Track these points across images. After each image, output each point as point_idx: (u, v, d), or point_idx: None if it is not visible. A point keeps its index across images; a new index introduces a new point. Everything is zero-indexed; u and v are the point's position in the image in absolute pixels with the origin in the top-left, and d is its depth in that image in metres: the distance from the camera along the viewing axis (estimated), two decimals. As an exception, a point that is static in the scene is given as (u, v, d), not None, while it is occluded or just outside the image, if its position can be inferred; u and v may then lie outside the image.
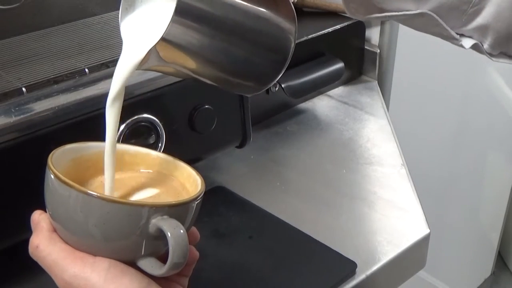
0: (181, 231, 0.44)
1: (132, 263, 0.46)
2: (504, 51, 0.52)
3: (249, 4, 0.49)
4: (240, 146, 0.82)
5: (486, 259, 1.88)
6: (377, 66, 1.12)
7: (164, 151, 0.69)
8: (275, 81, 0.52)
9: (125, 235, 0.45)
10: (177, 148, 0.71)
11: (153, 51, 0.46)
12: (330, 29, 1.01)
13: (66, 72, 0.69)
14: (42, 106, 0.64)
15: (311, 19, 1.05)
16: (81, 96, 0.66)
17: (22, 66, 0.70)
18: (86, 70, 0.69)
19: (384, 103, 1.06)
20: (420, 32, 0.52)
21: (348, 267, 0.71)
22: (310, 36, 0.99)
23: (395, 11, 0.50)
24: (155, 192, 0.51)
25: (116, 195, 0.50)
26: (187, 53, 0.47)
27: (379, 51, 1.12)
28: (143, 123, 0.68)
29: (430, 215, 0.81)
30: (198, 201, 0.48)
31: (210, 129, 0.75)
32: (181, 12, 0.44)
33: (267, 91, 0.95)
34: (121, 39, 0.50)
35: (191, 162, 0.78)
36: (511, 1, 0.48)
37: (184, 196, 0.50)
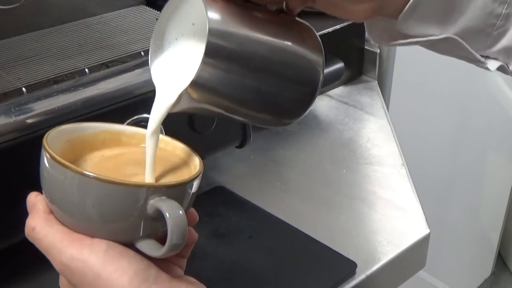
0: (180, 212, 0.44)
1: (130, 245, 0.46)
2: None
3: (276, 40, 0.49)
4: (240, 146, 0.82)
5: (486, 259, 1.88)
6: (377, 66, 1.12)
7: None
8: (305, 113, 0.52)
9: (123, 216, 0.45)
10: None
11: (184, 94, 0.46)
12: (330, 29, 1.01)
13: (66, 72, 0.69)
14: (42, 106, 0.64)
15: (311, 19, 1.05)
16: (81, 96, 0.66)
17: (22, 66, 0.70)
18: (86, 70, 0.69)
19: (384, 103, 1.06)
20: (444, 55, 0.52)
21: (348, 267, 0.71)
22: (310, 36, 0.99)
23: (420, 37, 0.49)
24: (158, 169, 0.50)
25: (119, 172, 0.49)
26: (218, 94, 0.48)
27: (379, 51, 1.12)
28: (143, 123, 0.68)
29: (430, 215, 0.81)
30: (197, 181, 0.47)
31: (210, 129, 0.75)
32: (210, 53, 0.44)
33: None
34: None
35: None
36: None
37: (185, 172, 0.49)
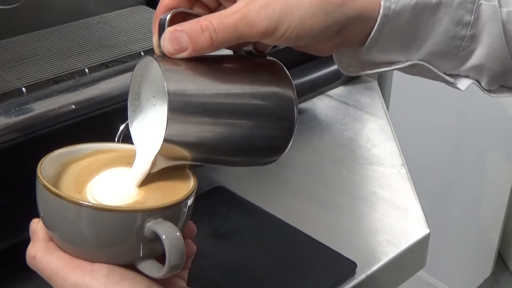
0: (177, 233, 0.44)
1: (131, 266, 0.47)
2: (502, 84, 0.52)
3: (243, 86, 0.49)
4: (240, 146, 0.82)
5: (486, 259, 1.88)
6: (377, 66, 1.12)
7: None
8: (287, 149, 0.52)
9: (121, 241, 0.45)
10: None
11: (158, 157, 0.47)
12: (330, 29, 1.01)
13: (66, 72, 0.69)
14: (42, 106, 0.64)
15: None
16: (81, 96, 0.66)
17: (22, 66, 0.70)
18: (86, 70, 0.69)
19: (384, 103, 1.06)
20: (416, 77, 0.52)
21: (348, 267, 0.71)
22: (310, 36, 0.99)
23: (386, 66, 0.50)
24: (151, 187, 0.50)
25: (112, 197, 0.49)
26: (192, 150, 0.48)
27: (379, 51, 1.12)
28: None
29: (430, 215, 0.81)
30: (192, 198, 0.48)
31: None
32: (174, 115, 0.45)
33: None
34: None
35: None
36: (501, 40, 0.48)
37: (180, 187, 0.49)
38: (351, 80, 1.12)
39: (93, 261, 0.46)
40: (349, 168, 0.90)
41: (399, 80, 1.20)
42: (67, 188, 0.48)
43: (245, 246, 0.73)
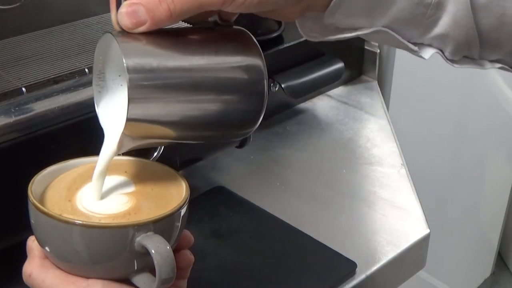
0: (167, 247, 0.44)
1: (126, 280, 0.47)
2: (466, 54, 0.51)
3: (207, 57, 0.47)
4: (240, 146, 0.82)
5: (486, 259, 1.88)
6: (377, 66, 1.12)
7: (164, 151, 0.69)
8: (259, 122, 0.50)
9: (113, 256, 0.45)
10: (177, 148, 0.71)
11: (124, 137, 0.46)
12: (330, 29, 1.01)
13: (66, 72, 0.69)
14: (42, 106, 0.64)
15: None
16: (81, 96, 0.66)
17: (22, 66, 0.70)
18: (86, 70, 0.69)
19: (384, 103, 1.06)
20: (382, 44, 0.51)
21: (348, 267, 0.71)
22: (310, 36, 0.99)
23: (349, 32, 0.49)
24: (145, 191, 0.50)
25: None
26: (159, 127, 0.46)
27: (379, 51, 1.12)
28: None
29: (430, 215, 0.81)
30: (184, 207, 0.47)
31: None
32: (136, 91, 0.43)
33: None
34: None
35: (191, 162, 0.79)
36: (467, 9, 0.47)
37: (174, 194, 0.49)
38: (351, 80, 1.12)
39: (87, 277, 0.46)
40: (349, 168, 0.90)
41: (399, 80, 1.20)
42: (58, 195, 0.48)
43: (245, 246, 0.73)
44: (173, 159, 0.71)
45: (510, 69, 0.52)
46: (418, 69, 1.33)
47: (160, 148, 0.70)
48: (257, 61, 0.49)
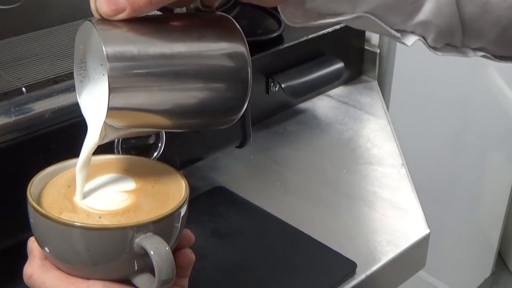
0: (166, 248, 0.44)
1: (126, 280, 0.47)
2: (448, 42, 0.51)
3: (189, 44, 0.46)
4: (240, 146, 0.82)
5: (486, 259, 1.88)
6: (377, 66, 1.12)
7: (164, 151, 0.69)
8: (244, 109, 0.49)
9: (112, 257, 0.45)
10: (177, 148, 0.71)
11: (107, 127, 0.45)
12: (330, 29, 1.01)
13: (66, 72, 0.69)
14: (42, 106, 0.64)
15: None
16: (81, 96, 0.66)
17: (22, 66, 0.70)
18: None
19: (384, 103, 1.06)
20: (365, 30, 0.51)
21: (348, 267, 0.71)
22: (310, 36, 0.99)
23: (331, 17, 0.48)
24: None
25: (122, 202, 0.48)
26: (143, 115, 0.45)
27: (379, 51, 1.12)
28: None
29: (430, 215, 0.81)
30: (184, 207, 0.47)
31: (210, 129, 0.75)
32: (116, 81, 0.43)
33: (267, 91, 0.95)
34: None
35: (191, 162, 0.79)
36: None
37: (172, 196, 0.49)
38: (351, 80, 1.12)
39: (88, 277, 0.46)
40: (349, 168, 0.90)
41: (399, 80, 1.20)
42: (57, 193, 0.48)
43: (245, 246, 0.73)
44: (173, 159, 0.71)
45: (492, 57, 0.52)
46: (418, 69, 1.33)
47: (160, 148, 0.70)
48: (240, 48, 0.48)
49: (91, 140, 0.47)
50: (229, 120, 0.50)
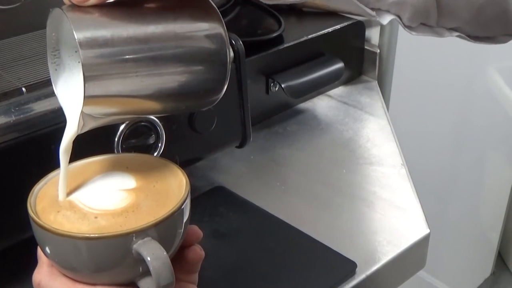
0: (163, 253, 0.43)
1: (132, 283, 0.47)
2: (423, 22, 0.50)
3: (163, 26, 0.44)
4: (240, 146, 0.82)
5: (486, 259, 1.88)
6: (377, 66, 1.12)
7: (164, 151, 0.69)
8: (224, 90, 0.48)
9: (115, 263, 0.45)
10: (177, 148, 0.71)
11: (84, 116, 0.44)
12: (330, 29, 1.01)
13: (66, 72, 0.69)
14: (42, 106, 0.64)
15: (311, 19, 1.05)
16: (81, 96, 0.66)
17: (22, 66, 0.70)
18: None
19: (384, 103, 1.06)
20: (341, 11, 0.50)
21: (348, 267, 0.71)
22: (310, 36, 0.99)
23: None
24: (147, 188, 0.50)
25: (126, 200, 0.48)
26: (121, 101, 0.45)
27: (379, 51, 1.12)
28: (143, 123, 0.68)
29: (430, 215, 0.81)
30: (184, 207, 0.47)
31: (210, 129, 0.75)
32: (90, 67, 0.42)
33: (267, 91, 0.95)
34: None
35: (191, 162, 0.79)
36: None
37: (173, 194, 0.48)
38: (351, 80, 1.12)
39: (94, 283, 0.46)
40: (349, 168, 0.90)
41: (399, 80, 1.20)
42: (56, 193, 0.48)
43: (245, 246, 0.73)
44: (173, 159, 0.71)
45: (467, 38, 0.52)
46: (418, 69, 1.33)
47: (160, 148, 0.70)
48: (218, 28, 0.47)
49: (70, 130, 0.46)
50: (209, 102, 0.49)
